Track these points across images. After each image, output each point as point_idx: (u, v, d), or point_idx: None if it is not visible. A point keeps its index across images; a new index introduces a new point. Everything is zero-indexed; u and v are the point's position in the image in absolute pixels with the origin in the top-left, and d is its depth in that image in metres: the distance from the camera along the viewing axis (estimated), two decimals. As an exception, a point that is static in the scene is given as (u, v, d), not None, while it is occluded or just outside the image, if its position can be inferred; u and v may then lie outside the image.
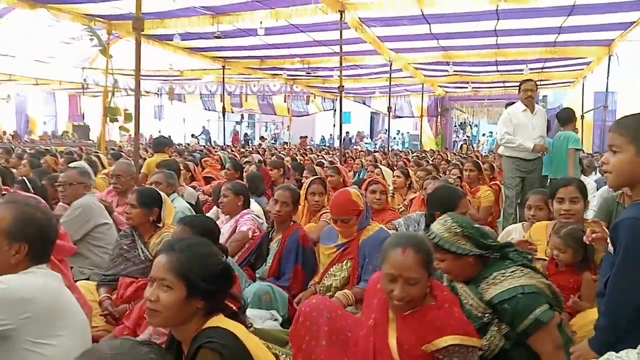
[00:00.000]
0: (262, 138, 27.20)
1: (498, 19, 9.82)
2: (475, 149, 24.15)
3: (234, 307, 1.80)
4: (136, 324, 3.00)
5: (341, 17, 9.23)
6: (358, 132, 26.60)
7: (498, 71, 15.84)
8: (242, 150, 15.71)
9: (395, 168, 7.55)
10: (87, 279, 3.58)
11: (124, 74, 15.31)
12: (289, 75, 18.67)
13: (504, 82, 17.88)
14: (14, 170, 5.50)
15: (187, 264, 1.70)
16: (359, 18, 10.12)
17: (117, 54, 11.35)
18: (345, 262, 3.28)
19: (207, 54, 14.63)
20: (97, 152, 9.76)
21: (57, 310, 1.89)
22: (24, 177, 4.83)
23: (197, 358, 1.59)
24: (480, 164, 6.46)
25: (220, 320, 1.71)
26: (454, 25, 10.31)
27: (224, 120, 16.71)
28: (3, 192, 3.34)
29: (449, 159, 11.99)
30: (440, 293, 2.14)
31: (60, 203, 4.07)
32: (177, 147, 14.79)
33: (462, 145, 24.72)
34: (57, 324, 1.87)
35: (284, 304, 3.37)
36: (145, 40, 11.44)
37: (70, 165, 6.35)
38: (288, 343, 2.70)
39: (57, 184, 4.00)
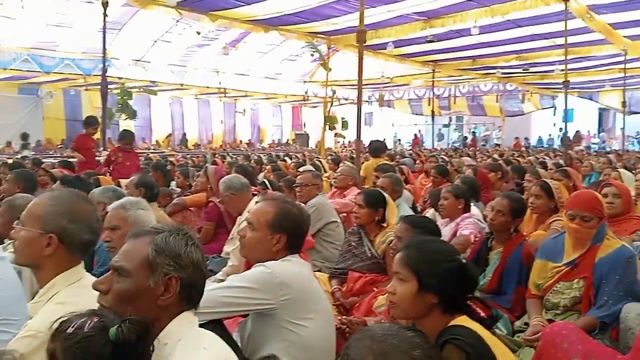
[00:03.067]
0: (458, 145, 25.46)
1: None
2: None
3: (483, 314, 1.78)
4: (365, 315, 3.19)
5: (566, 7, 8.48)
6: (576, 132, 23.03)
7: None
8: (452, 153, 15.46)
9: (633, 171, 6.61)
10: (319, 271, 3.93)
11: (339, 85, 16.40)
12: (502, 73, 17.78)
13: None
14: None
15: (417, 258, 1.78)
16: (587, 6, 9.15)
17: (333, 67, 12.22)
18: (576, 280, 2.90)
19: (417, 59, 14.81)
20: (319, 158, 10.63)
21: (309, 295, 2.13)
22: (265, 179, 5.55)
23: (442, 353, 1.61)
24: None
25: (465, 320, 1.72)
26: None
27: (432, 124, 16.72)
28: (254, 193, 3.88)
29: None
30: None
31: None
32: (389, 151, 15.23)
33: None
34: (308, 307, 2.10)
35: (507, 327, 3.16)
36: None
37: (299, 169, 7.10)
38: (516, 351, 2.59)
39: (295, 185, 4.50)
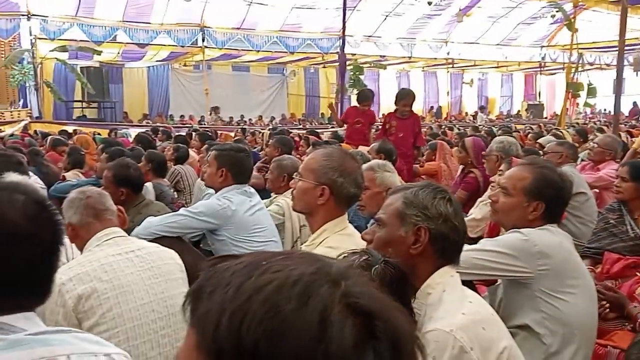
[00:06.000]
0: None
1: None
2: None
3: None
4: (624, 302, 2.84)
5: None
6: None
7: None
8: None
9: None
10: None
11: (585, 48, 14.59)
12: None
13: None
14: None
15: None
16: None
17: (579, 27, 10.89)
18: None
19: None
20: (558, 128, 9.70)
21: (569, 269, 1.98)
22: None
23: None
24: None
25: None
26: None
27: None
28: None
29: None
30: None
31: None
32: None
33: None
34: (568, 281, 1.96)
35: None
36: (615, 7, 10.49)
37: (538, 140, 6.68)
38: None
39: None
